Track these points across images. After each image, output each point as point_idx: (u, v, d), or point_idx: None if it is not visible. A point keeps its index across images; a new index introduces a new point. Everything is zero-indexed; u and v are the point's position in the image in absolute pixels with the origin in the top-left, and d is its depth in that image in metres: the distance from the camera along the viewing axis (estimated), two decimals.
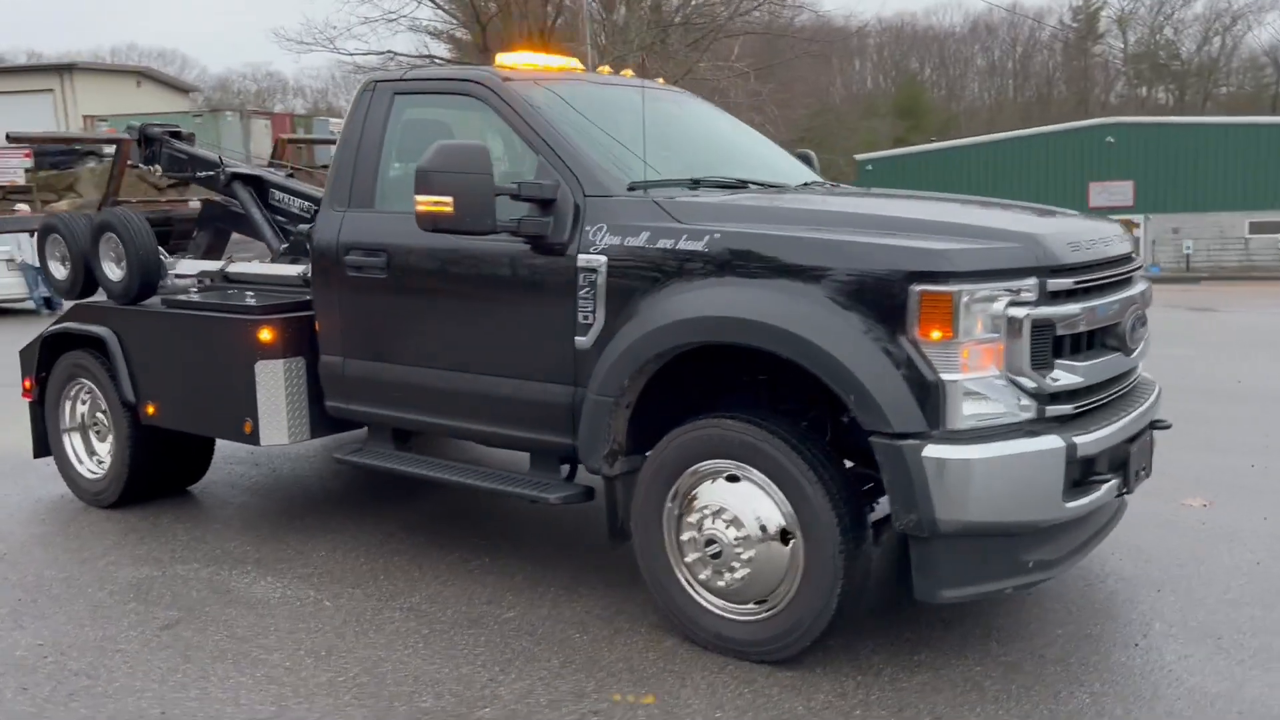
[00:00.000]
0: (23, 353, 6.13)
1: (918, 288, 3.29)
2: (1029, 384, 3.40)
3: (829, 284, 3.44)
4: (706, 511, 3.69)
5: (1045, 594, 4.21)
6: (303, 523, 5.44)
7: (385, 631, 4.04)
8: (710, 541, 3.67)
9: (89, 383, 5.77)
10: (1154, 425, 4.25)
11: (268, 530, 5.34)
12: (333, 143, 5.95)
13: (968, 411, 3.32)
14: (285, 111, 53.47)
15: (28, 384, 6.11)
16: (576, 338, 3.98)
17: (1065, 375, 3.49)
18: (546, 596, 4.34)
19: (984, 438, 3.35)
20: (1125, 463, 3.75)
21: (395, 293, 4.59)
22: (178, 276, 5.88)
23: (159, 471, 5.74)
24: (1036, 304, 3.39)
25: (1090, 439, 3.48)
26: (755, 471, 3.59)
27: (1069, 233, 3.68)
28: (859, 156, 43.52)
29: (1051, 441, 3.39)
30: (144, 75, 54.17)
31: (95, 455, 5.92)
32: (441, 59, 28.62)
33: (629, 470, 3.96)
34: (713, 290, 3.66)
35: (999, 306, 3.33)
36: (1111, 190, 36.56)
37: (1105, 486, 3.61)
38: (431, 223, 3.92)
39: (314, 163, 31.70)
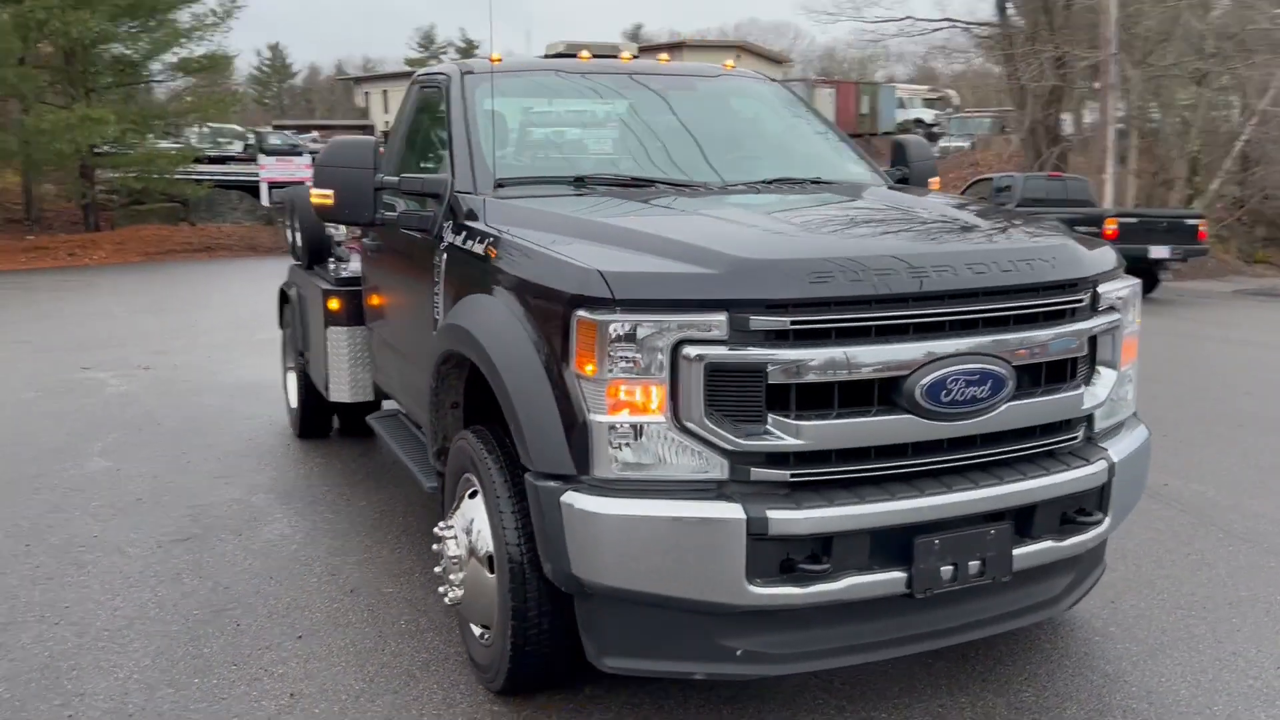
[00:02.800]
0: None
1: (577, 313, 2.90)
2: (716, 439, 2.83)
3: (532, 301, 3.15)
4: (444, 524, 3.59)
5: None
6: (391, 474, 6.03)
7: (282, 581, 4.47)
8: (440, 555, 3.57)
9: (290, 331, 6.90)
10: (1070, 519, 3.22)
11: (360, 475, 6.02)
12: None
13: (618, 459, 2.87)
14: (860, 80, 54.63)
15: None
16: (434, 331, 4.02)
17: (781, 434, 2.84)
18: None
19: (641, 492, 2.87)
20: (910, 556, 2.93)
21: (381, 272, 4.94)
22: None
23: (322, 413, 6.68)
24: (729, 343, 2.80)
25: (797, 516, 2.81)
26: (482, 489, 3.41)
27: (841, 257, 2.92)
28: None
29: (726, 510, 2.81)
30: (742, 49, 58.62)
31: None
32: (963, 22, 27.30)
33: None
34: (474, 297, 3.51)
35: (664, 343, 2.81)
36: None
37: (849, 580, 2.88)
38: (320, 213, 4.20)
39: (875, 129, 32.46)
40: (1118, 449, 3.34)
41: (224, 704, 3.44)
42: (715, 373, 2.79)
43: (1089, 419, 3.32)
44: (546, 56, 4.93)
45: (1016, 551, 3.08)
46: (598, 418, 2.86)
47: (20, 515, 5.40)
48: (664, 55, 5.01)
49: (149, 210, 27.74)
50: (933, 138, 45.08)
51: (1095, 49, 22.17)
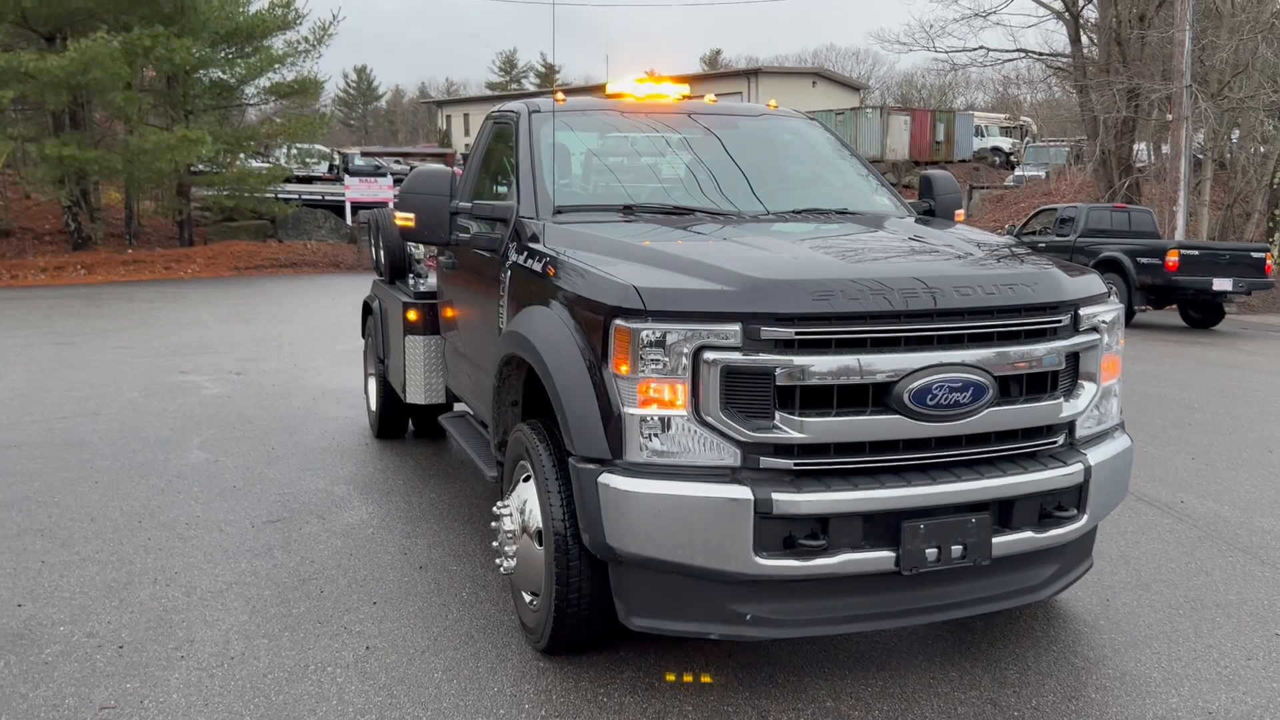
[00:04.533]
0: None
1: (615, 321, 3.42)
2: (731, 431, 3.33)
3: (579, 311, 3.68)
4: (502, 503, 4.13)
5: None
6: (459, 471, 6.61)
7: (360, 558, 5.05)
8: (497, 531, 4.11)
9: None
10: (1048, 513, 3.64)
11: (431, 471, 6.62)
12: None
13: (647, 446, 3.38)
14: (937, 108, 54.61)
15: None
16: (498, 338, 4.58)
17: (786, 429, 3.33)
18: None
19: (666, 475, 3.37)
20: (898, 538, 3.39)
21: (455, 287, 5.53)
22: None
23: (399, 415, 7.31)
24: (742, 350, 3.29)
25: (798, 498, 3.29)
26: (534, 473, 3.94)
27: (841, 278, 3.41)
28: None
29: (736, 491, 3.29)
30: (819, 75, 59.09)
31: None
32: (1037, 54, 27.48)
33: None
34: (532, 308, 4.05)
35: (687, 348, 3.32)
36: None
37: (843, 556, 3.35)
38: (404, 234, 4.81)
39: (950, 157, 32.79)
40: (1096, 454, 3.75)
41: (310, 652, 4.01)
42: (730, 374, 3.30)
43: (1070, 426, 3.75)
44: (609, 96, 5.49)
45: (996, 540, 3.52)
46: (630, 410, 3.37)
47: (132, 497, 6.09)
48: (711, 97, 5.53)
49: (239, 227, 29.08)
50: (1010, 166, 44.92)
51: (1168, 81, 22.23)
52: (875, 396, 3.38)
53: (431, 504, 5.95)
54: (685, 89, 5.53)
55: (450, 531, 5.45)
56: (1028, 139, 49.50)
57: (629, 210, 4.55)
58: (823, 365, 3.30)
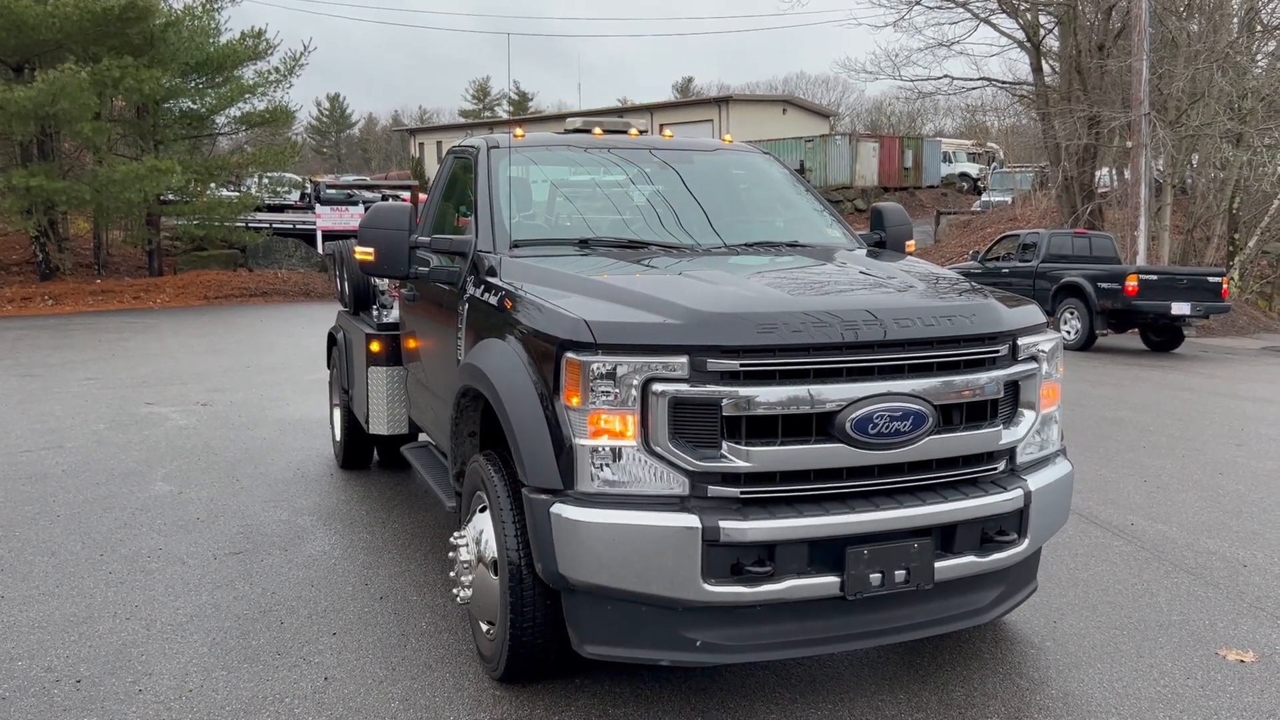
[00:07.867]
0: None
1: (566, 354, 3.50)
2: (679, 461, 3.41)
3: (532, 344, 3.76)
4: (459, 534, 4.19)
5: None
6: (422, 501, 6.65)
7: (321, 589, 5.09)
8: (454, 561, 4.17)
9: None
10: (990, 538, 3.74)
11: (394, 502, 6.65)
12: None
13: (597, 476, 3.45)
14: (905, 135, 55.30)
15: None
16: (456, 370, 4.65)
17: (733, 458, 3.41)
18: None
19: (616, 504, 3.44)
20: (843, 563, 3.48)
21: (416, 318, 5.60)
22: None
23: (363, 446, 7.35)
24: (690, 381, 3.38)
25: (745, 526, 3.37)
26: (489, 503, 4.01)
27: (786, 311, 3.50)
28: None
29: (683, 520, 3.37)
30: (789, 103, 59.69)
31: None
32: (1000, 82, 27.95)
33: None
34: (488, 341, 4.13)
35: (636, 380, 3.40)
36: None
37: (790, 582, 3.43)
38: (363, 268, 4.88)
39: (919, 183, 33.59)
40: (1036, 480, 3.86)
41: (268, 684, 4.04)
42: (678, 405, 3.38)
43: (1011, 452, 3.85)
44: (567, 132, 5.60)
45: (939, 564, 3.61)
46: (581, 441, 3.45)
47: (94, 530, 6.09)
48: (668, 132, 5.65)
49: (209, 256, 29.01)
50: (978, 192, 45.53)
51: (1127, 108, 22.67)
52: (819, 426, 3.48)
53: (394, 534, 5.99)
54: (642, 124, 5.65)
55: (412, 562, 5.50)
56: (994, 165, 50.19)
57: (585, 244, 4.65)
58: (767, 396, 3.39)
